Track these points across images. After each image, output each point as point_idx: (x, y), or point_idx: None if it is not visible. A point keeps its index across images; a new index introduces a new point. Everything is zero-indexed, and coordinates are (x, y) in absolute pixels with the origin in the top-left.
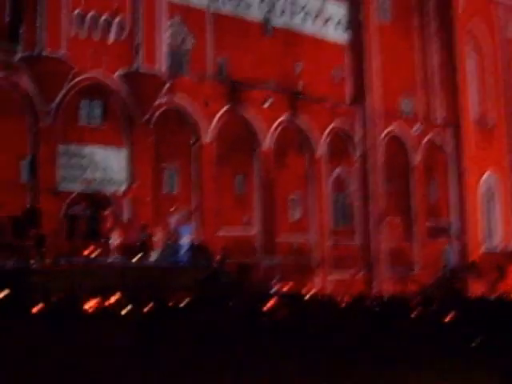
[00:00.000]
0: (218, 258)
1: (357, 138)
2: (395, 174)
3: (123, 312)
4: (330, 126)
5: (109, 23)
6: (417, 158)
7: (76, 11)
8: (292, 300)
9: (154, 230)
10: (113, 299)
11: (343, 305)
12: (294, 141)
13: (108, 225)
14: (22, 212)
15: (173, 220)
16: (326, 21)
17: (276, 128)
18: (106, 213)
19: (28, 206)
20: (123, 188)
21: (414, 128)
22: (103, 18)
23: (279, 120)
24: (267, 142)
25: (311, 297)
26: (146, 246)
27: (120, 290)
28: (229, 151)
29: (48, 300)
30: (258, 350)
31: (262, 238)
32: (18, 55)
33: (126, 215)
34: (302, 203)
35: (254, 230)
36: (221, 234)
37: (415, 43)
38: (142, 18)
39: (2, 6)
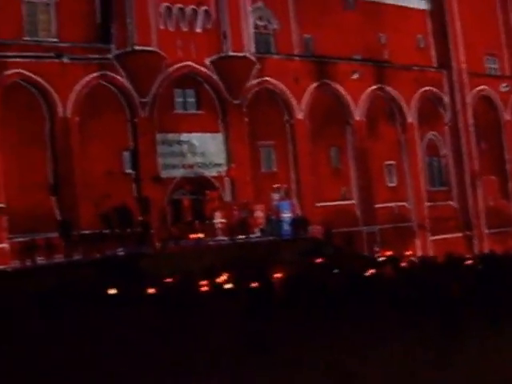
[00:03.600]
0: (319, 229)
1: (446, 100)
2: (487, 133)
3: (232, 288)
4: (419, 92)
5: (195, 13)
6: (507, 115)
7: (163, 5)
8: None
9: (255, 207)
10: (222, 278)
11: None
12: (385, 109)
13: (211, 206)
14: (124, 203)
15: (274, 196)
16: None
17: (366, 99)
18: (209, 195)
19: (137, 195)
20: (223, 170)
21: (502, 85)
22: (189, 8)
23: (368, 90)
24: (358, 112)
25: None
26: (248, 224)
27: (228, 269)
28: (322, 125)
29: (160, 282)
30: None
31: (361, 206)
32: (112, 53)
33: (227, 195)
34: (398, 170)
35: (353, 200)
36: (320, 205)
37: (496, 1)
38: (227, 4)
39: (93, 10)
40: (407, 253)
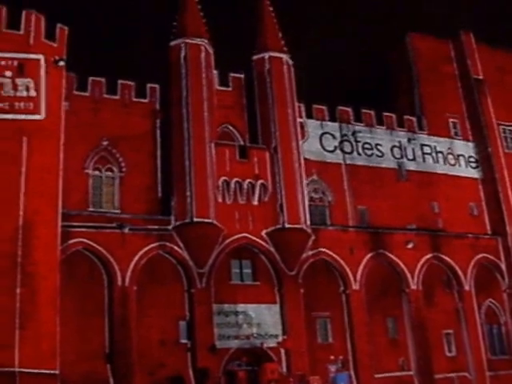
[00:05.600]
0: None
1: (503, 267)
2: None
3: None
4: (475, 259)
5: (252, 186)
6: None
7: (221, 179)
8: None
9: (311, 379)
10: None
11: None
12: (441, 277)
13: (268, 378)
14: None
15: (331, 368)
16: (457, 159)
17: (421, 267)
18: (268, 367)
19: (192, 365)
20: (279, 341)
21: None
22: (247, 182)
23: (424, 259)
24: (414, 281)
25: None
26: None
27: None
28: (378, 295)
29: None
30: None
31: (419, 377)
32: (172, 225)
33: (283, 366)
34: (456, 338)
35: (411, 371)
36: (378, 377)
37: None
38: (283, 178)
39: (154, 184)
40: None
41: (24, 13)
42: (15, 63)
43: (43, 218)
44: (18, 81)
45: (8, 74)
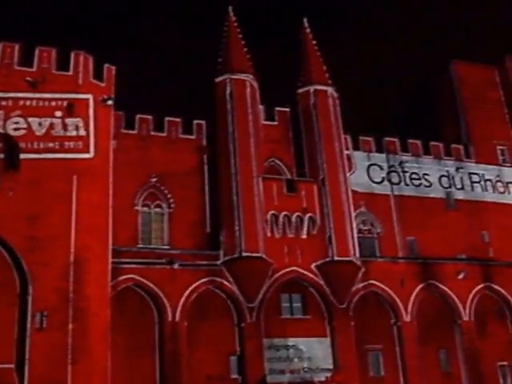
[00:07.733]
0: None
1: None
2: None
3: None
4: None
5: (301, 220)
6: None
7: (270, 213)
8: None
9: None
10: None
11: None
12: (494, 308)
13: None
14: None
15: None
16: (506, 186)
17: (473, 298)
18: None
19: None
20: (330, 374)
21: None
22: (295, 215)
23: (475, 289)
24: (466, 312)
25: None
26: None
27: None
28: (429, 327)
29: None
30: None
31: None
32: (221, 260)
33: None
34: None
35: None
36: None
37: None
38: (331, 211)
39: (203, 220)
40: None
41: (73, 54)
42: (65, 103)
43: (94, 255)
44: (68, 120)
45: (58, 114)
